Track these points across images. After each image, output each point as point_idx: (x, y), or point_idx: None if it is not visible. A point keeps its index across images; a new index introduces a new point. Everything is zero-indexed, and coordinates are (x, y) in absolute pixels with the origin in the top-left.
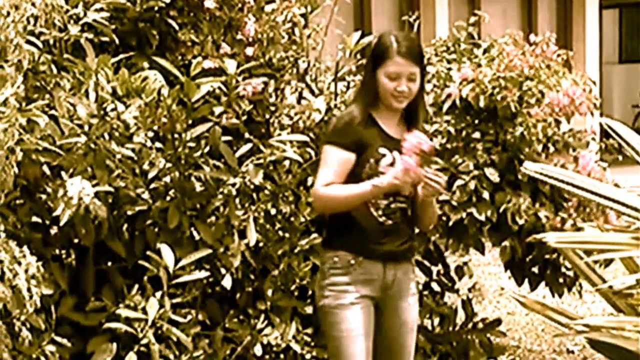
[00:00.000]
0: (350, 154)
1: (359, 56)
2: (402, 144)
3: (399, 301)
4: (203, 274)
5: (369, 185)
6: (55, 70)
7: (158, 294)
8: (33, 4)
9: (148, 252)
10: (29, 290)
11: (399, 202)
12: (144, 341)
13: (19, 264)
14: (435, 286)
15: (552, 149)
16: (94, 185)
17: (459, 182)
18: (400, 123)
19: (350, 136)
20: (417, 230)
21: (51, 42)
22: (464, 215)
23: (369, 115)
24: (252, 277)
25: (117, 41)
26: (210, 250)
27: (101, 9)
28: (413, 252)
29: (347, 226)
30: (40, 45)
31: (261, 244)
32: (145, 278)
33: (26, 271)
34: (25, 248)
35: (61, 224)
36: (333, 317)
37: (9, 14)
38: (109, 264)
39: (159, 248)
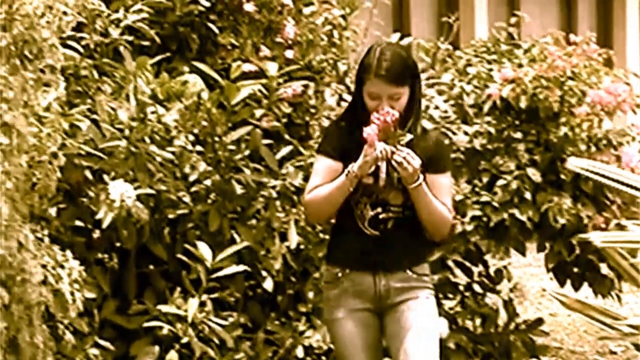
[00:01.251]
0: (335, 163)
1: None
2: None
3: (398, 307)
4: (241, 267)
5: (343, 175)
6: (96, 75)
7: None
8: (67, 5)
9: (186, 246)
10: (72, 293)
11: (391, 211)
12: (185, 340)
13: (62, 267)
14: (476, 287)
15: (594, 148)
16: (135, 189)
17: (500, 182)
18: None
19: (336, 144)
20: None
21: (92, 46)
22: (505, 216)
23: (359, 123)
24: (293, 279)
25: (157, 45)
26: (246, 243)
27: (141, 10)
28: (414, 261)
29: (335, 239)
30: (82, 50)
31: (302, 247)
32: (184, 273)
33: (69, 275)
34: (68, 252)
35: (103, 226)
36: (331, 331)
37: (43, 14)
38: (151, 267)
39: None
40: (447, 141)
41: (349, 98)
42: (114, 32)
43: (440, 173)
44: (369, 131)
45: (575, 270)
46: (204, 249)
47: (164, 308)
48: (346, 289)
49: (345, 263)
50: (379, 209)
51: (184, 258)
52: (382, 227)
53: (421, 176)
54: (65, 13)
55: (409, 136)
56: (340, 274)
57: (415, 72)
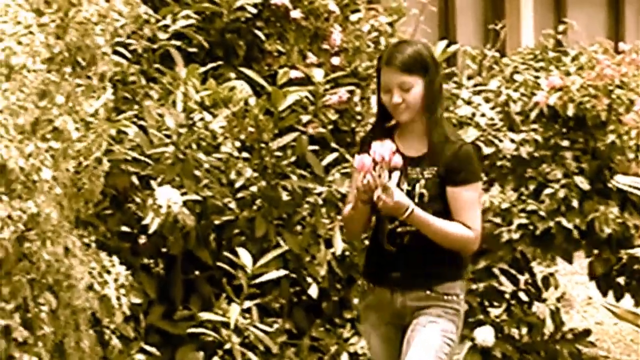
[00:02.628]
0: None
1: (444, 65)
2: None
3: (411, 326)
4: (281, 272)
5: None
6: (144, 81)
7: (245, 302)
8: (120, 14)
9: (226, 253)
10: (118, 299)
11: (407, 225)
12: (228, 346)
13: (109, 273)
14: (522, 295)
15: None
16: (182, 194)
17: (547, 191)
18: (422, 139)
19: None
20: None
21: (140, 52)
22: (552, 224)
23: (388, 134)
24: (339, 286)
25: (205, 51)
26: (285, 248)
27: (188, 17)
28: (433, 279)
29: (366, 252)
30: (129, 56)
31: (347, 253)
32: (225, 280)
33: (115, 280)
34: (114, 257)
35: (150, 232)
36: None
37: (97, 22)
38: (197, 273)
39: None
40: (470, 152)
41: None
42: (162, 38)
43: (459, 186)
44: (360, 161)
45: (620, 280)
46: (244, 255)
47: (205, 315)
48: (370, 303)
49: (370, 277)
50: (396, 223)
51: (225, 266)
52: (399, 242)
53: (410, 206)
54: (118, 21)
55: (394, 179)
56: (366, 288)
57: (429, 66)
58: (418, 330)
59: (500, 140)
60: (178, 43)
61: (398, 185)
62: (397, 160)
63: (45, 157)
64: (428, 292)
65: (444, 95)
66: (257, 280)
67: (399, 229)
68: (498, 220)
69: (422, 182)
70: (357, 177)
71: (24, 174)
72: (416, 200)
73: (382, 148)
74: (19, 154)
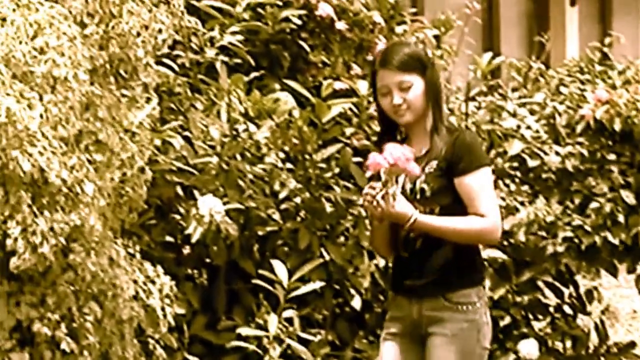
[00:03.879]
0: None
1: (489, 77)
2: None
3: (428, 341)
4: (318, 284)
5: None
6: (189, 92)
7: (289, 312)
8: (162, 22)
9: (260, 271)
10: (162, 309)
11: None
12: (267, 358)
13: (153, 283)
14: (567, 308)
15: None
16: (224, 204)
17: (593, 205)
18: (426, 138)
19: None
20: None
21: (187, 64)
22: (597, 239)
23: (398, 139)
24: (382, 297)
25: (249, 62)
26: (321, 260)
27: (236, 32)
28: (448, 287)
29: (391, 258)
30: (176, 68)
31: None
32: (261, 295)
33: (160, 290)
34: (159, 267)
35: (192, 241)
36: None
37: (139, 34)
38: (240, 283)
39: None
40: (467, 139)
41: None
42: (209, 51)
43: (462, 175)
44: (374, 160)
45: None
46: (279, 268)
47: (244, 331)
48: (393, 312)
49: (392, 286)
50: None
51: (265, 274)
52: (412, 248)
53: (414, 215)
54: (160, 31)
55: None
56: (391, 298)
57: (427, 63)
58: (432, 353)
59: (546, 153)
60: (225, 58)
61: (402, 186)
62: (414, 169)
63: (88, 170)
64: (442, 301)
65: (443, 92)
66: (296, 293)
67: (412, 234)
68: (543, 233)
69: (422, 177)
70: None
71: (67, 186)
72: (418, 196)
73: (396, 150)
74: (62, 166)
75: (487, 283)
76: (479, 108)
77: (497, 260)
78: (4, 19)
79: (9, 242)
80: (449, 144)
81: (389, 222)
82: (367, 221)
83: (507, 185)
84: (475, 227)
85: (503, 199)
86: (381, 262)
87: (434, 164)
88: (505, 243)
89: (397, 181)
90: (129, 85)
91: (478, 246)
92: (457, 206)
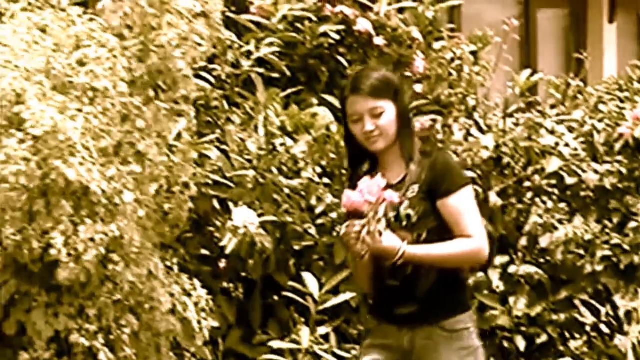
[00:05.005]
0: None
1: (527, 94)
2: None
3: None
4: (348, 294)
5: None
6: (226, 106)
7: (324, 329)
8: (201, 37)
9: (290, 283)
10: (199, 322)
11: None
12: None
13: (189, 296)
14: (604, 327)
15: None
16: (260, 217)
17: (632, 225)
18: (399, 163)
19: None
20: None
21: (223, 77)
22: (635, 258)
23: (372, 167)
24: None
25: (287, 77)
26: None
27: (272, 44)
28: (442, 314)
29: (371, 289)
30: (213, 80)
31: None
32: (292, 308)
33: (196, 304)
34: (195, 281)
35: (227, 252)
36: None
37: (178, 46)
38: (275, 297)
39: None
40: (446, 159)
41: (476, 133)
42: (245, 64)
43: (445, 197)
44: (349, 200)
45: None
46: (310, 281)
47: (276, 344)
48: (376, 341)
49: (375, 315)
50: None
51: (292, 294)
52: (402, 275)
53: (402, 248)
54: (199, 45)
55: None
56: (372, 325)
57: (397, 88)
58: None
59: (584, 171)
60: (261, 70)
61: (385, 215)
62: (393, 197)
63: (127, 181)
64: (437, 329)
65: (412, 116)
66: (327, 305)
67: (400, 261)
68: (581, 251)
69: (406, 202)
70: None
71: (106, 197)
72: (404, 223)
73: (372, 185)
74: (101, 177)
75: (524, 300)
76: (516, 125)
77: (534, 277)
78: (44, 31)
79: (52, 252)
80: (428, 167)
81: (370, 256)
82: None
83: (544, 203)
84: (464, 250)
85: (540, 216)
86: None
87: (415, 188)
88: (543, 261)
89: (378, 214)
90: (168, 97)
91: (466, 269)
92: (443, 229)
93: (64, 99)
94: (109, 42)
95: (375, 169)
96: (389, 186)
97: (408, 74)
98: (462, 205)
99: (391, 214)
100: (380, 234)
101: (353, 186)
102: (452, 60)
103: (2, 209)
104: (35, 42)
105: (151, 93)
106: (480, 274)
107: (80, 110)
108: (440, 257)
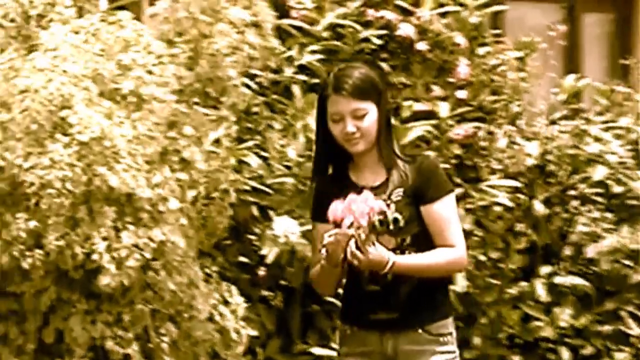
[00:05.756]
0: (325, 225)
1: (573, 100)
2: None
3: None
4: None
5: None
6: (266, 112)
7: None
8: (254, 47)
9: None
10: (237, 331)
11: None
12: None
13: (228, 304)
14: None
15: None
16: (300, 225)
17: None
18: (376, 167)
19: (318, 205)
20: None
21: (265, 84)
22: None
23: (339, 169)
24: (459, 324)
25: None
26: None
27: (315, 51)
28: (426, 318)
29: (344, 295)
30: (254, 87)
31: (469, 290)
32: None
33: (235, 312)
34: (234, 289)
35: (267, 261)
36: None
37: (228, 55)
38: (315, 306)
39: None
40: (432, 164)
41: (521, 140)
42: (287, 70)
43: (431, 202)
44: (335, 212)
45: None
46: None
47: (317, 351)
48: (354, 348)
49: (352, 321)
50: None
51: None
52: (384, 281)
53: (391, 259)
54: (251, 58)
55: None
56: (348, 331)
57: (380, 89)
58: None
59: (631, 179)
60: (304, 77)
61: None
62: (382, 206)
63: (172, 188)
64: (422, 333)
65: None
66: None
67: (389, 273)
68: (627, 261)
69: (393, 206)
70: (322, 234)
71: (151, 203)
72: (391, 227)
73: (361, 203)
74: (146, 183)
75: (569, 311)
76: (562, 132)
77: (580, 288)
78: (93, 35)
79: (94, 257)
80: (414, 171)
81: (340, 269)
82: None
83: (590, 212)
84: (449, 259)
85: (586, 225)
86: (459, 287)
87: (399, 191)
88: (588, 271)
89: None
90: (216, 105)
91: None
92: (425, 235)
93: (110, 105)
94: (158, 49)
95: (344, 172)
96: (364, 189)
97: (451, 80)
98: (446, 213)
99: (376, 217)
100: (373, 243)
101: (321, 194)
102: (496, 66)
103: (45, 215)
104: (85, 49)
105: (199, 100)
106: (525, 284)
107: (126, 117)
108: (427, 267)
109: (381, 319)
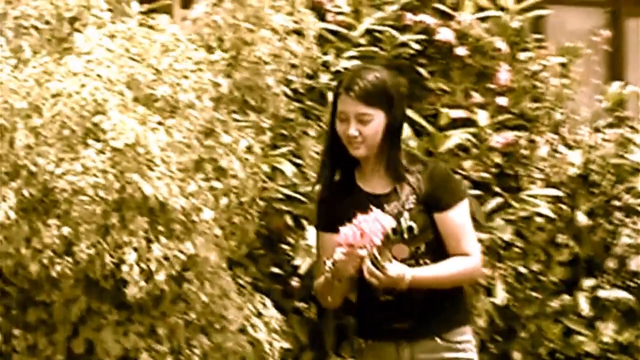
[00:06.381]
0: (329, 235)
1: (617, 108)
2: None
3: None
4: None
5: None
6: (301, 118)
7: None
8: (294, 55)
9: None
10: (270, 343)
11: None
12: None
13: (260, 315)
14: None
15: None
16: None
17: None
18: (384, 175)
19: (323, 213)
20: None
21: (300, 89)
22: None
23: (346, 175)
24: (499, 338)
25: None
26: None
27: (353, 57)
28: (442, 325)
29: (358, 307)
30: (290, 92)
31: (509, 303)
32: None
33: (267, 324)
34: (266, 300)
35: (301, 272)
36: None
37: (268, 62)
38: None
39: None
40: (444, 170)
41: (563, 149)
42: (323, 76)
43: (445, 210)
44: (346, 236)
45: None
46: None
47: None
48: None
49: (366, 333)
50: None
51: None
52: (397, 290)
53: (408, 274)
54: (293, 66)
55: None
56: (364, 345)
57: (393, 98)
58: None
59: None
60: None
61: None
62: (392, 223)
63: (207, 197)
64: (439, 341)
65: (402, 131)
66: None
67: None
68: None
69: (406, 214)
70: (329, 245)
71: (184, 213)
72: (405, 235)
73: (373, 223)
74: (180, 192)
75: (612, 325)
76: (605, 140)
77: (624, 302)
78: (129, 39)
79: (124, 268)
80: (426, 178)
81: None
82: (485, 258)
83: (634, 223)
84: (465, 268)
85: (630, 237)
86: (499, 300)
87: (412, 199)
88: (632, 284)
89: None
90: (254, 113)
91: None
92: (439, 243)
93: (145, 111)
94: (196, 54)
95: (350, 177)
96: (373, 196)
97: (491, 86)
98: (460, 220)
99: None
100: (390, 260)
101: (326, 202)
102: (538, 71)
103: (76, 222)
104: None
105: (237, 108)
106: (566, 297)
107: (161, 123)
108: (443, 278)
109: (396, 329)
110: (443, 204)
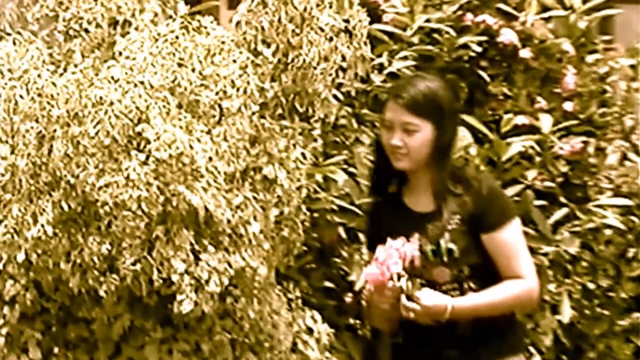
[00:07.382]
0: (372, 254)
1: None
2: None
3: None
4: None
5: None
6: (355, 124)
7: None
8: (343, 57)
9: None
10: None
11: (442, 292)
12: None
13: (311, 332)
14: None
15: None
16: None
17: None
18: (428, 191)
19: (372, 235)
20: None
21: (352, 93)
22: None
23: (392, 191)
24: (565, 358)
25: None
26: None
27: (406, 58)
28: (489, 353)
29: (399, 330)
30: (341, 97)
31: (576, 321)
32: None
33: (319, 341)
34: (318, 316)
35: (355, 287)
36: None
37: (316, 67)
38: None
39: None
40: (492, 187)
41: (634, 157)
42: (376, 79)
43: (494, 230)
44: (372, 277)
45: None
46: None
47: None
48: None
49: (404, 358)
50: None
51: None
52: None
53: (449, 304)
54: (343, 70)
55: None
56: None
57: (444, 110)
58: None
59: None
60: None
61: (420, 249)
62: (414, 251)
63: (255, 209)
64: None
65: (454, 148)
66: None
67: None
68: None
69: (447, 235)
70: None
71: (231, 226)
72: (445, 258)
73: (393, 255)
74: (227, 204)
75: None
76: None
77: None
78: (172, 43)
79: (174, 278)
80: (473, 195)
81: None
82: (550, 272)
83: None
84: (517, 294)
85: None
86: (565, 318)
87: (456, 219)
88: None
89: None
90: (303, 119)
91: None
92: (487, 266)
93: (189, 119)
94: (241, 58)
95: (399, 192)
96: (417, 215)
97: (557, 90)
98: (511, 240)
99: (428, 247)
100: (419, 288)
101: (373, 221)
102: (607, 75)
103: (119, 237)
104: (162, 56)
105: (285, 114)
106: (638, 315)
107: (207, 132)
108: (492, 306)
109: (437, 357)
110: (490, 224)
